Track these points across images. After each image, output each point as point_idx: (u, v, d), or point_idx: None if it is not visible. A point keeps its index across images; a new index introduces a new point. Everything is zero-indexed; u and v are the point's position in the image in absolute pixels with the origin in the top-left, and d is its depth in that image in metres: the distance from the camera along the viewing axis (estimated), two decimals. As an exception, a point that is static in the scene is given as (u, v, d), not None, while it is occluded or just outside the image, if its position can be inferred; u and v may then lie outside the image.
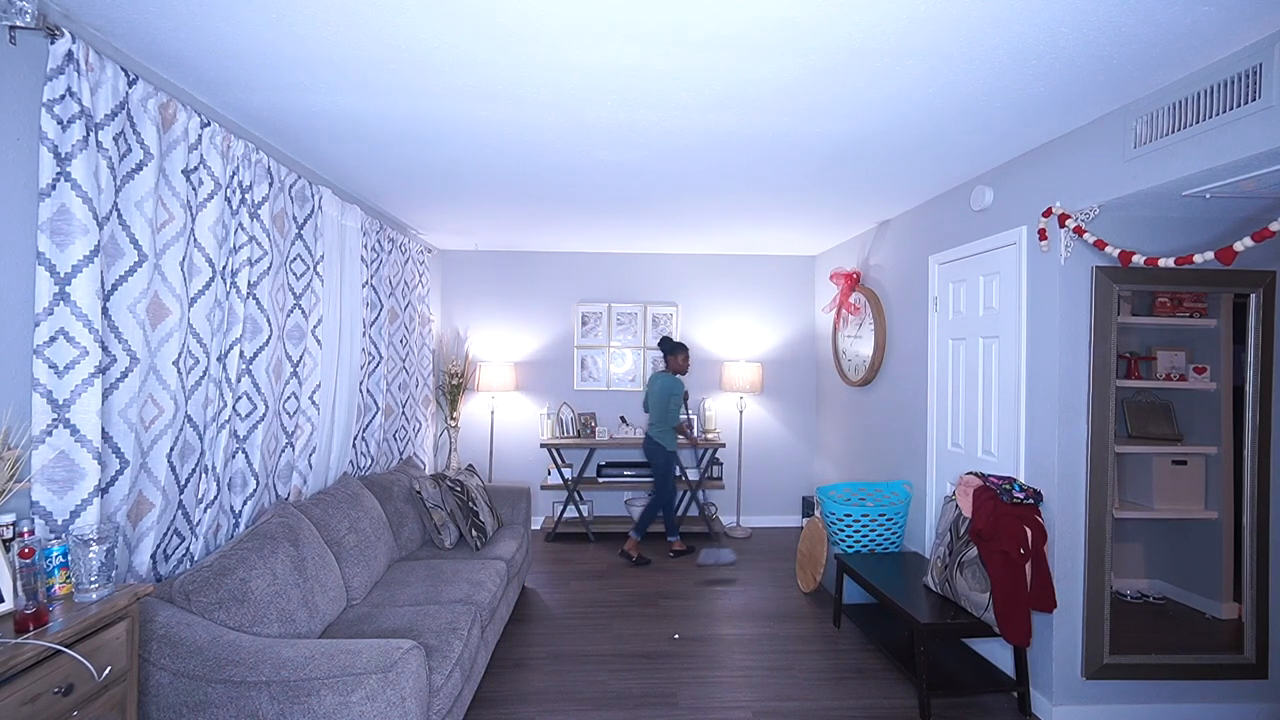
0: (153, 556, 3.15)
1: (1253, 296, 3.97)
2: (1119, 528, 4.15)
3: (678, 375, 6.94)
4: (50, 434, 2.65)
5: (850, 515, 5.49)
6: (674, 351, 6.92)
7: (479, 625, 4.02)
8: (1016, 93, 3.45)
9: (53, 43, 2.58)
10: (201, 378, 3.43)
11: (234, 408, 3.76)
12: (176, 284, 3.18)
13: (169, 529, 3.29)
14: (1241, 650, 4.00)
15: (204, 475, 3.50)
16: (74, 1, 2.68)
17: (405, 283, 6.29)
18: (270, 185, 3.98)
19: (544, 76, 3.30)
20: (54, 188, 2.60)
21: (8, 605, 2.31)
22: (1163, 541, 4.39)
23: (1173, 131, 3.32)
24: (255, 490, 3.90)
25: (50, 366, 2.64)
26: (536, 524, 8.11)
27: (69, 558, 2.51)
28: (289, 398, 4.30)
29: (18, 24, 2.47)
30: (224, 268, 3.57)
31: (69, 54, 2.59)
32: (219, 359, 3.58)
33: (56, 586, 2.48)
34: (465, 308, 8.07)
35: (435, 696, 3.23)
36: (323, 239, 4.56)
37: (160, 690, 2.75)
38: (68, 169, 2.61)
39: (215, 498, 3.56)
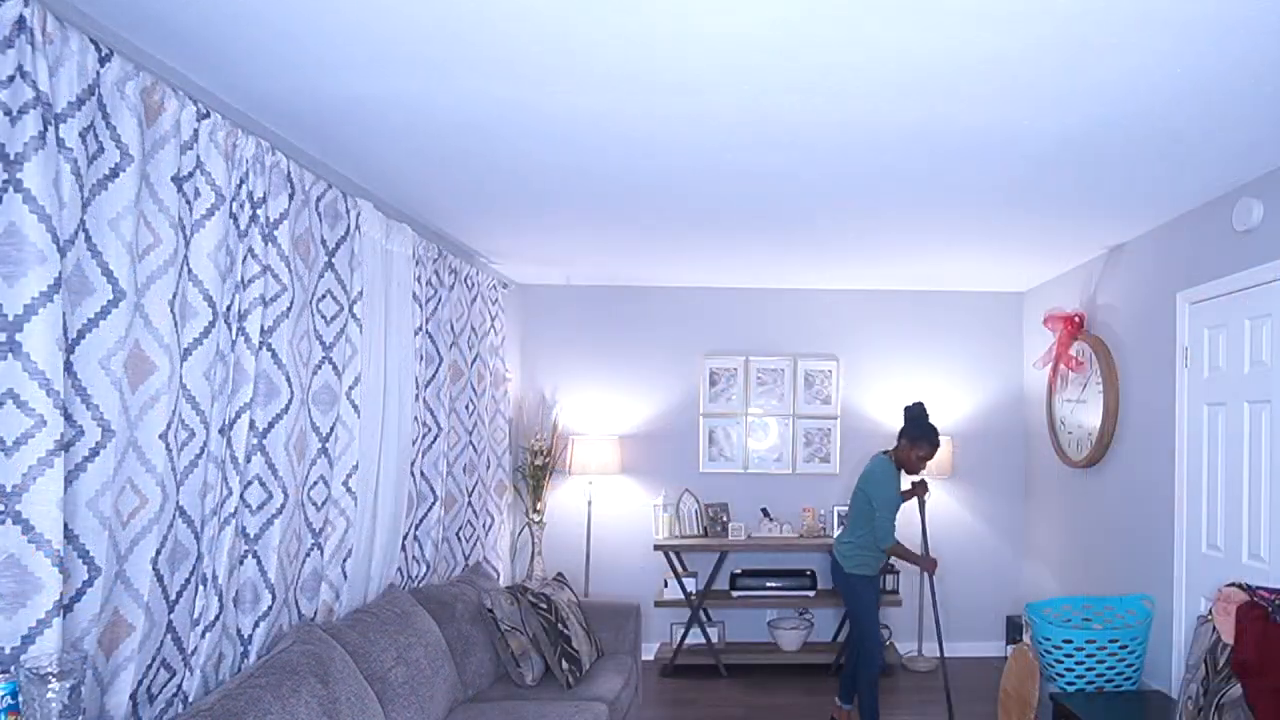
0: (133, 696, 3.09)
1: None
2: None
3: (902, 466, 6.16)
4: (-7, 532, 2.61)
5: (1071, 641, 5.49)
6: (909, 431, 6.11)
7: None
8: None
9: (-4, 6, 2.59)
10: (198, 456, 3.39)
11: (242, 497, 3.72)
12: (165, 330, 3.14)
13: (155, 659, 3.24)
14: None
15: (201, 587, 3.45)
16: (29, -46, 2.71)
17: (472, 328, 6.37)
18: (291, 198, 3.98)
19: (659, 52, 3.28)
20: (-1, 200, 2.60)
21: (-73, 772, 2.25)
22: None
23: None
24: (270, 608, 3.87)
25: (-7, 441, 2.61)
26: (649, 653, 8.10)
27: (19, 699, 2.44)
28: (316, 483, 4.29)
29: (-54, -20, 2.48)
30: (228, 308, 3.56)
31: (19, 21, 2.56)
32: (221, 431, 3.55)
33: (0, 740, 2.41)
34: (553, 362, 8.22)
35: None
36: (361, 269, 4.57)
37: None
38: (18, 175, 2.57)
39: (217, 617, 3.51)
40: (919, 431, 6.00)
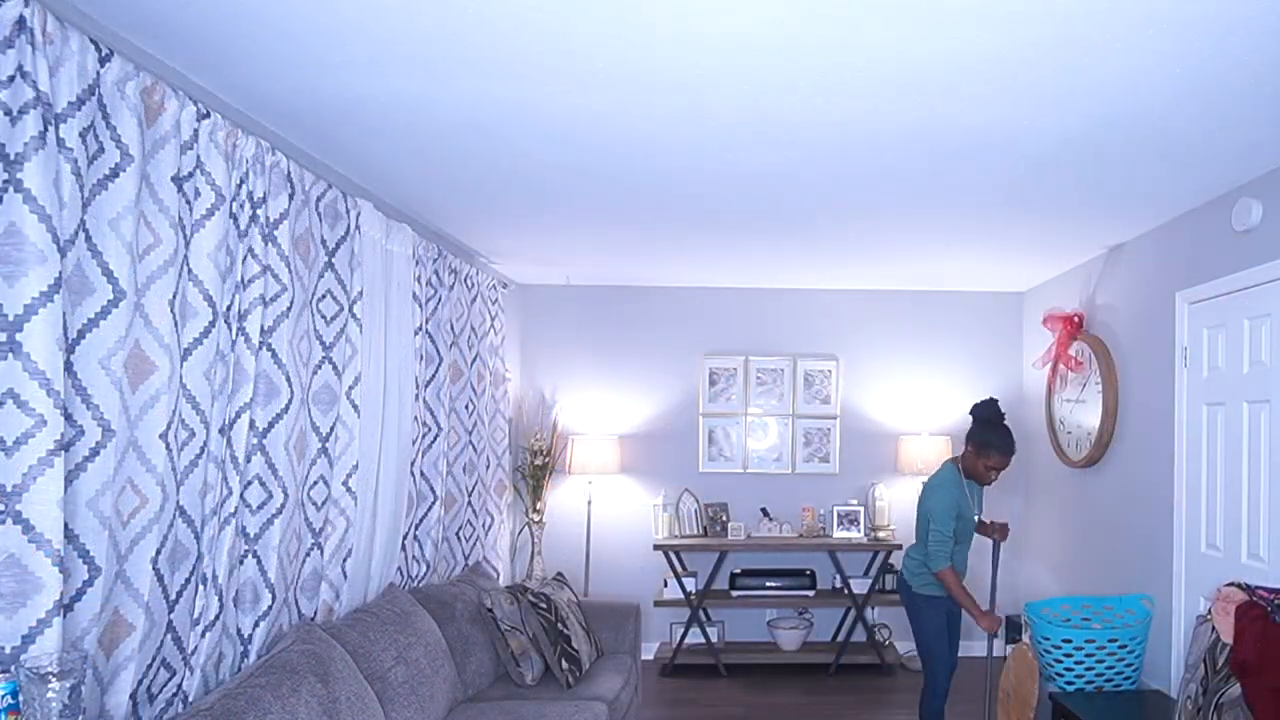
0: (133, 696, 3.08)
1: None
2: None
3: (971, 476, 5.35)
4: (-7, 531, 2.60)
5: (1070, 641, 5.50)
6: (974, 435, 5.28)
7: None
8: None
9: (-4, 6, 2.58)
10: (198, 456, 3.38)
11: (242, 496, 3.71)
12: (165, 330, 3.13)
13: (155, 659, 3.23)
14: None
15: (201, 587, 3.44)
16: (29, -46, 2.70)
17: (472, 328, 6.36)
18: (291, 198, 3.97)
19: (659, 52, 3.27)
20: (-1, 200, 2.59)
21: (-72, 770, 2.25)
22: None
23: None
24: (270, 607, 3.86)
25: (-6, 441, 2.60)
26: (649, 652, 8.09)
27: (19, 698, 2.43)
28: (316, 483, 4.28)
29: (-52, -19, 2.48)
30: (228, 308, 3.55)
31: (20, 21, 2.56)
32: (221, 431, 3.54)
33: (0, 739, 2.40)
34: (553, 362, 8.20)
35: None
36: (361, 269, 4.56)
37: None
38: (18, 175, 2.56)
39: (217, 617, 3.50)
40: (984, 436, 5.14)
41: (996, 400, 5.29)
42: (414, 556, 5.48)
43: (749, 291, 8.22)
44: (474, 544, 6.41)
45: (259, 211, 3.71)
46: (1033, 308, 8.00)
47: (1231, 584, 4.33)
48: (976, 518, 5.31)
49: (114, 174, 2.91)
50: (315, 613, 4.32)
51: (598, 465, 7.72)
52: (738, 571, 7.83)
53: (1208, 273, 5.13)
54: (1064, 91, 3.56)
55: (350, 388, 4.48)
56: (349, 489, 4.50)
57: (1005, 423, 5.21)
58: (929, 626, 5.28)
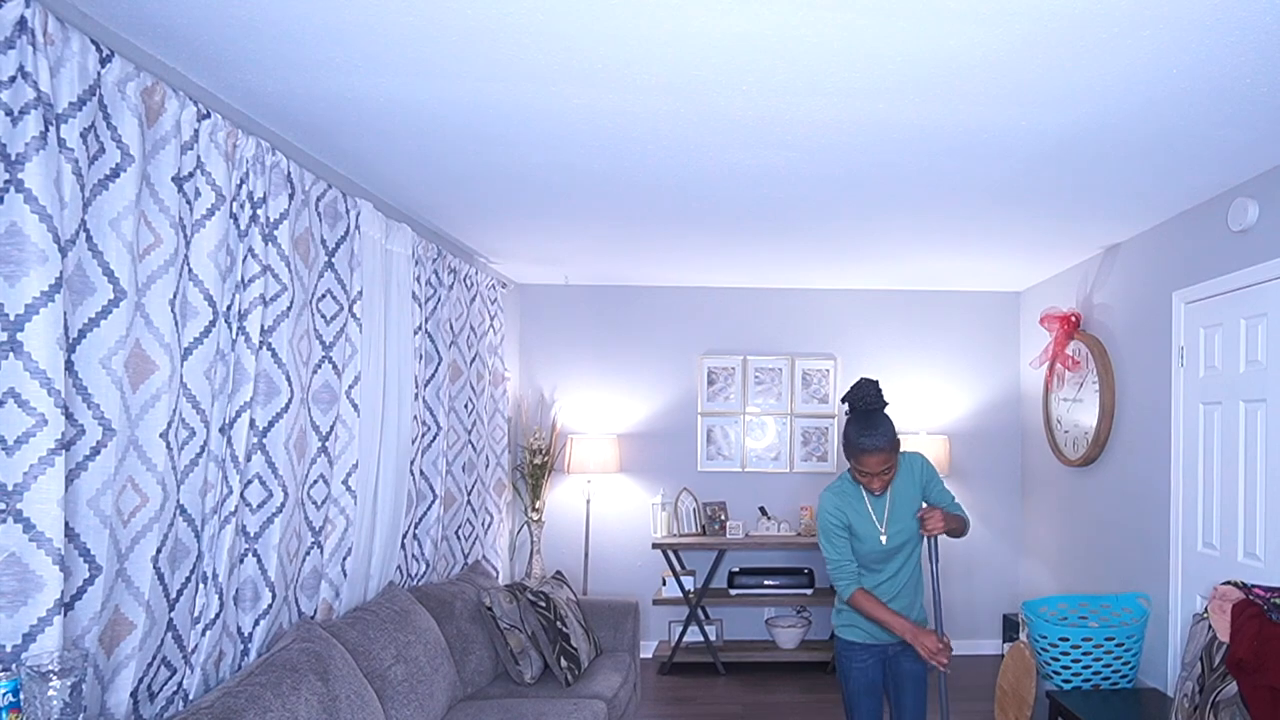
0: (133, 694, 3.07)
1: None
2: None
3: (851, 475, 3.94)
4: (-6, 530, 2.60)
5: (1067, 639, 5.49)
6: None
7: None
8: (1292, 72, 3.32)
9: (-2, 6, 2.58)
10: (199, 455, 3.37)
11: (242, 495, 3.71)
12: (165, 330, 3.13)
13: (155, 657, 3.22)
14: None
15: (202, 585, 3.44)
16: (30, -45, 2.70)
17: (471, 328, 6.34)
18: (291, 198, 3.97)
19: (658, 52, 3.26)
20: (0, 200, 2.56)
21: (-71, 769, 2.24)
22: None
23: None
24: (270, 606, 3.85)
25: (-5, 439, 2.59)
26: (647, 651, 8.09)
27: (20, 696, 2.42)
28: (316, 482, 4.27)
29: (-50, -18, 2.47)
30: (229, 308, 3.54)
31: (21, 21, 2.55)
32: (222, 430, 3.54)
33: (1, 737, 2.39)
34: (552, 361, 8.18)
35: None
36: (361, 269, 4.56)
37: None
38: (19, 175, 2.56)
39: (217, 615, 3.50)
40: (845, 431, 3.85)
41: (869, 381, 3.85)
42: (413, 555, 5.46)
43: (747, 291, 8.20)
44: (473, 543, 6.40)
45: (259, 211, 3.70)
46: (1030, 307, 7.99)
47: (1228, 582, 4.33)
48: (883, 535, 3.90)
49: (115, 174, 2.91)
50: (315, 611, 4.31)
51: (596, 464, 7.69)
52: (736, 570, 7.80)
53: (1204, 272, 5.12)
54: (1061, 91, 3.54)
55: (350, 387, 4.47)
56: (349, 488, 4.49)
57: (874, 408, 3.80)
58: (848, 680, 4.06)
